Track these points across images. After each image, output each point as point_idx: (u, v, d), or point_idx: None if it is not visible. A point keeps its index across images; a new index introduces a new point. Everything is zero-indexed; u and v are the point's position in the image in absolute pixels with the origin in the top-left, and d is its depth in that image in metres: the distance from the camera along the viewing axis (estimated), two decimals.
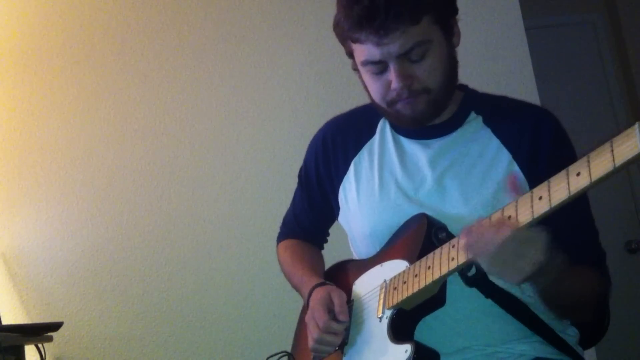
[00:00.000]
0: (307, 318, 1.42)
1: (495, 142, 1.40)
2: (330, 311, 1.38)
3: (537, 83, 2.68)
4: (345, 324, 1.37)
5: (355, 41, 1.34)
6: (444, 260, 1.22)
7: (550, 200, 1.02)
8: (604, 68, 3.66)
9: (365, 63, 1.35)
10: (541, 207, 1.04)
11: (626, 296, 3.20)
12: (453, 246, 1.20)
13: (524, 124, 1.40)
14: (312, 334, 1.39)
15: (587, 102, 3.55)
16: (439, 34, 1.34)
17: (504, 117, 1.43)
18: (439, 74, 1.35)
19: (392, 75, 1.32)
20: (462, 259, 1.19)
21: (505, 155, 1.38)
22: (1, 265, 2.47)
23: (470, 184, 1.37)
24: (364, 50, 1.33)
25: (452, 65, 1.40)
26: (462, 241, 1.16)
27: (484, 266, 1.14)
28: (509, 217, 1.11)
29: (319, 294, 1.43)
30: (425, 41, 1.31)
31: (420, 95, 1.35)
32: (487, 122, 1.43)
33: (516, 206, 1.09)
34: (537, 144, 1.37)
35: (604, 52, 3.68)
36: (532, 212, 1.05)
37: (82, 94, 2.59)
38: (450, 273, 1.21)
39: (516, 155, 1.37)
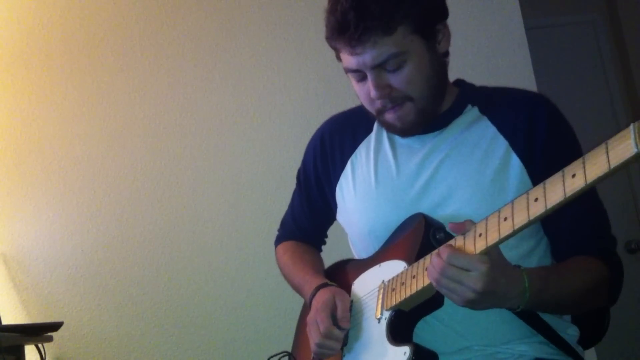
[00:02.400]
0: (309, 319, 1.42)
1: (491, 129, 1.40)
2: (333, 316, 1.38)
3: (537, 83, 2.68)
4: (345, 331, 1.37)
5: (335, 49, 1.37)
6: None
7: (546, 202, 1.02)
8: (604, 68, 3.66)
9: (346, 70, 1.37)
10: (537, 209, 1.03)
11: (626, 296, 3.18)
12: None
13: (519, 111, 1.40)
14: (314, 338, 1.39)
15: (587, 102, 3.55)
16: (418, 43, 1.33)
17: (499, 105, 1.43)
18: (420, 82, 1.34)
19: (369, 84, 1.34)
20: (426, 281, 1.21)
21: (501, 143, 1.38)
22: (1, 265, 2.47)
23: (466, 172, 1.37)
24: (343, 58, 1.36)
25: (436, 72, 1.38)
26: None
27: (435, 287, 1.18)
28: (480, 234, 1.13)
29: (323, 296, 1.42)
30: (400, 53, 1.30)
31: (404, 103, 1.36)
32: (484, 112, 1.43)
33: (512, 208, 1.09)
34: (533, 130, 1.37)
35: (604, 52, 3.68)
36: (528, 213, 1.05)
37: (82, 94, 2.59)
38: None
39: (513, 143, 1.37)
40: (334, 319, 1.37)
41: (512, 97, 1.46)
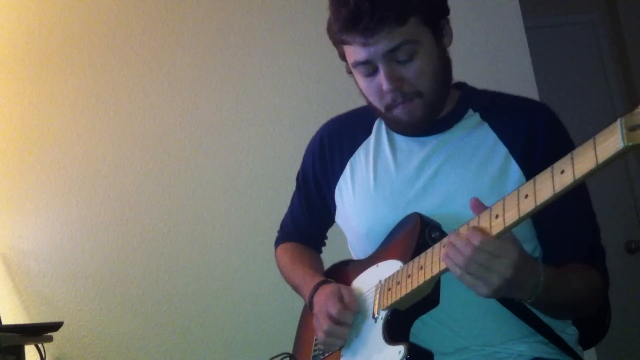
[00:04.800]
0: (317, 311, 1.42)
1: (492, 135, 1.40)
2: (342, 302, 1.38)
3: (537, 83, 2.68)
4: (354, 314, 1.37)
5: (344, 43, 1.36)
6: (436, 260, 1.21)
7: (535, 198, 1.02)
8: (604, 68, 3.66)
9: (355, 64, 1.37)
10: (527, 206, 1.04)
11: (626, 296, 3.19)
12: (444, 246, 1.20)
13: (520, 118, 1.40)
14: (322, 325, 1.39)
15: (587, 102, 3.55)
16: (428, 35, 1.34)
17: (500, 112, 1.43)
18: (429, 75, 1.35)
19: (381, 77, 1.33)
20: (435, 269, 1.20)
21: (501, 149, 1.38)
22: (1, 265, 2.47)
23: (465, 177, 1.37)
24: (353, 52, 1.35)
25: (444, 66, 1.39)
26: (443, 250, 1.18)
27: (456, 276, 1.15)
28: (482, 226, 1.12)
29: (327, 289, 1.43)
30: (412, 41, 1.31)
31: (414, 99, 1.36)
32: (485, 118, 1.44)
33: (503, 205, 1.09)
34: (533, 138, 1.37)
35: (604, 52, 3.67)
36: (519, 210, 1.05)
37: (82, 94, 2.60)
38: (441, 273, 1.21)
39: (512, 150, 1.38)
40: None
41: (513, 104, 1.46)
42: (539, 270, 1.17)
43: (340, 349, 1.39)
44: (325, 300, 1.40)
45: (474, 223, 1.14)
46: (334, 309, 1.36)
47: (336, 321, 1.36)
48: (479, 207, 1.16)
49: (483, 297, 1.15)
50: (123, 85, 2.61)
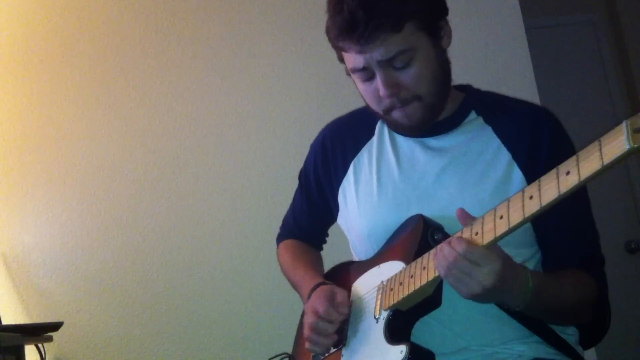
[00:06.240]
0: (307, 307, 1.43)
1: (495, 141, 1.40)
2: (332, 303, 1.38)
3: (537, 83, 2.68)
4: (343, 315, 1.37)
5: (341, 49, 1.36)
6: None
7: (540, 199, 1.03)
8: (604, 68, 3.66)
9: (353, 71, 1.37)
10: (532, 207, 1.04)
11: (626, 296, 3.20)
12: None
13: (524, 124, 1.40)
14: (308, 319, 1.40)
15: (587, 102, 3.55)
16: (425, 39, 1.33)
17: (504, 116, 1.43)
18: (428, 79, 1.34)
19: (378, 83, 1.33)
20: (423, 280, 1.23)
21: (505, 155, 1.38)
22: (1, 265, 2.47)
23: (468, 181, 1.37)
24: (350, 58, 1.35)
25: (442, 68, 1.39)
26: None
27: (441, 276, 1.18)
28: (477, 232, 1.14)
29: (322, 290, 1.43)
30: (408, 49, 1.30)
31: (412, 102, 1.36)
32: (488, 122, 1.44)
33: (508, 206, 1.10)
34: (536, 145, 1.37)
35: (604, 52, 3.68)
36: (524, 211, 1.06)
37: (82, 94, 2.60)
38: None
39: (516, 156, 1.38)
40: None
41: (517, 109, 1.46)
42: (527, 278, 1.18)
43: (340, 348, 1.39)
44: (316, 298, 1.41)
45: (477, 224, 1.15)
46: (321, 307, 1.37)
47: (322, 318, 1.36)
48: (466, 218, 1.18)
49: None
50: (123, 85, 2.61)
